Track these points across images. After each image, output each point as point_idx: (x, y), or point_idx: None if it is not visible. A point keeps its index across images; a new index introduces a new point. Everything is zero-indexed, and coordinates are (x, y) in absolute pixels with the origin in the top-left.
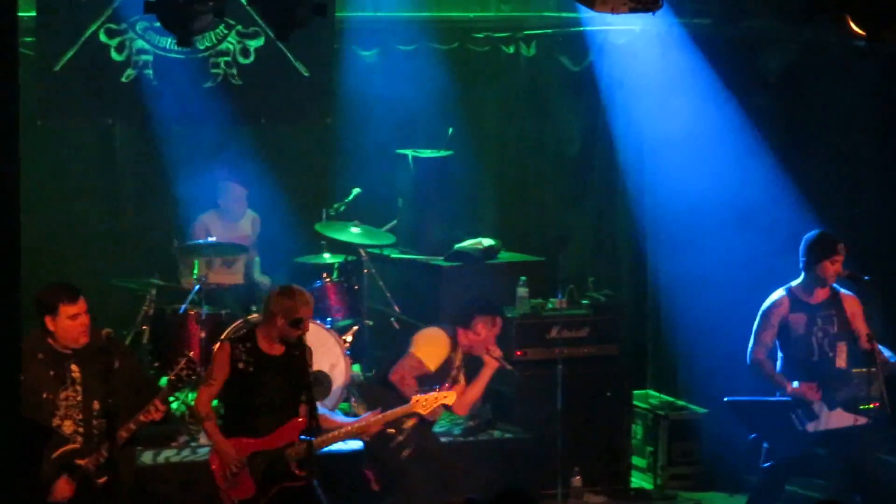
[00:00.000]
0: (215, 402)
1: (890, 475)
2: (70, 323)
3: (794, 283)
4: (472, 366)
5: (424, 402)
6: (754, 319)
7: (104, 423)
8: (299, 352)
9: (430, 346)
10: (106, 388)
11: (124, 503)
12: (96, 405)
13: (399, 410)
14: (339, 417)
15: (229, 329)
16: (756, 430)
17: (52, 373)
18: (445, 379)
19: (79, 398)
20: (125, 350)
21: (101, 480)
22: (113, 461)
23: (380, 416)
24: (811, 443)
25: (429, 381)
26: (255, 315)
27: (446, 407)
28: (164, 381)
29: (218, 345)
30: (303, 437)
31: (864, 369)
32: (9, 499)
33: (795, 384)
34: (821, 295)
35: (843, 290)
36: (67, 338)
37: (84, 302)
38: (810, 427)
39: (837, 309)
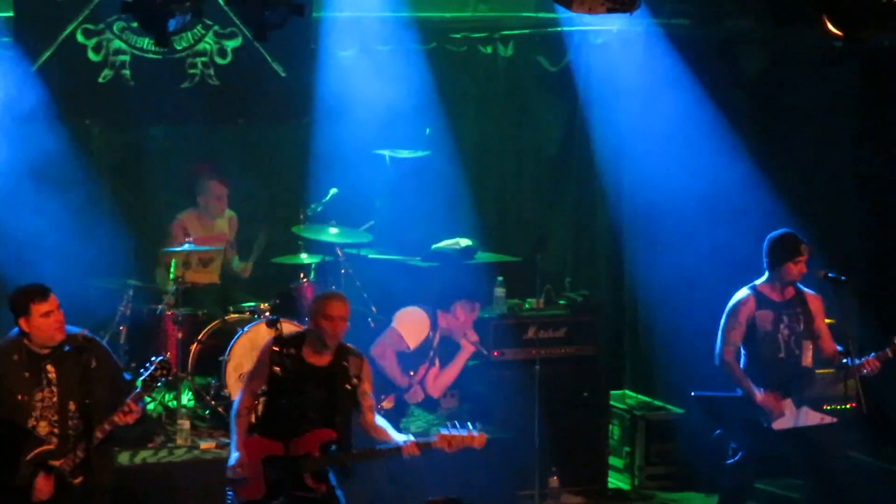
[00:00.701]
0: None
1: (860, 475)
2: (43, 321)
3: (759, 281)
4: (449, 350)
5: (452, 442)
6: None
7: (80, 423)
8: (346, 363)
9: (411, 324)
10: (82, 389)
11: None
12: (72, 406)
13: (423, 444)
14: (392, 433)
15: (206, 329)
16: (722, 426)
17: (27, 374)
18: (423, 359)
19: (54, 399)
20: (101, 350)
21: (77, 481)
22: (89, 462)
23: (408, 445)
24: (778, 440)
25: (408, 360)
26: (232, 315)
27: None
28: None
29: (265, 344)
30: (325, 449)
31: (830, 370)
32: None
33: (761, 392)
34: (786, 293)
35: (806, 290)
36: (43, 336)
37: (55, 299)
38: (776, 425)
39: (803, 307)
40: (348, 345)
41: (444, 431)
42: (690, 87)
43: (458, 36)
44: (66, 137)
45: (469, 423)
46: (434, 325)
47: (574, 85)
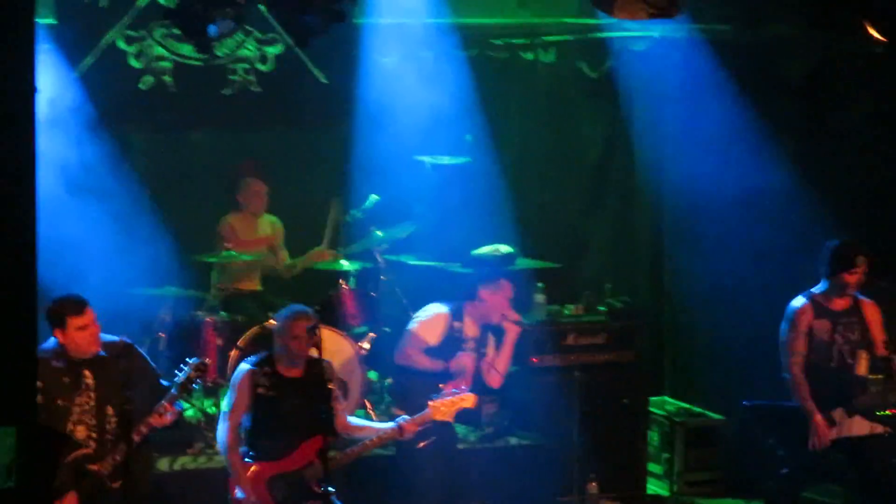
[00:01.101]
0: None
1: None
2: (79, 334)
3: (815, 290)
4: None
5: (442, 408)
6: (771, 326)
7: (118, 428)
8: (317, 369)
9: (425, 321)
10: (120, 394)
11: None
12: (109, 410)
13: (419, 418)
14: (373, 424)
15: (245, 336)
16: (774, 436)
17: (66, 379)
18: (456, 350)
19: (92, 403)
20: (140, 356)
21: (115, 485)
22: (127, 466)
23: (406, 423)
24: (827, 450)
25: (437, 353)
26: (272, 321)
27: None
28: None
29: (238, 372)
30: (323, 454)
31: (881, 376)
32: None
33: (820, 419)
34: (842, 303)
35: (862, 297)
36: (78, 349)
37: (91, 312)
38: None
39: (859, 316)
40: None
41: (434, 399)
42: (732, 93)
43: (500, 42)
44: (108, 144)
45: (453, 389)
46: (458, 316)
47: (615, 91)
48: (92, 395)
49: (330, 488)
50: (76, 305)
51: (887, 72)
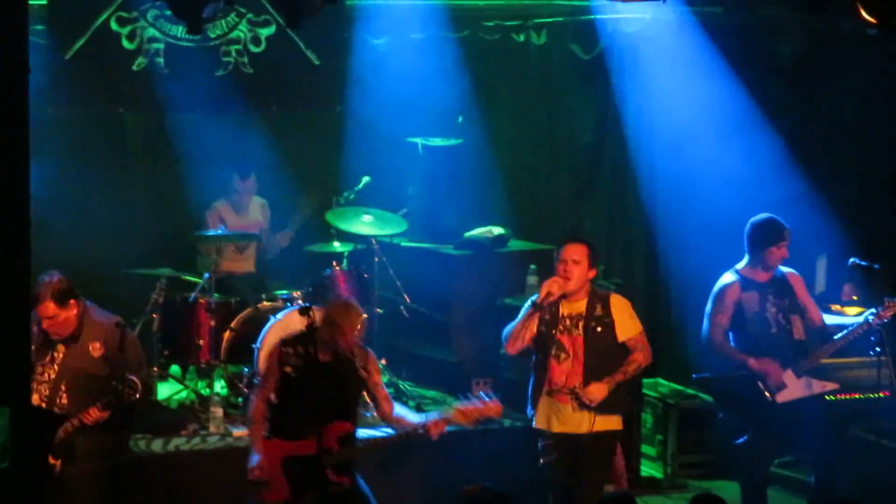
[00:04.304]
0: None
1: (865, 449)
2: (44, 321)
3: (740, 265)
4: None
5: (466, 413)
6: None
7: (68, 406)
8: (349, 358)
9: None
10: (80, 375)
11: (83, 487)
12: (63, 387)
13: (442, 420)
14: (410, 418)
15: (238, 317)
16: (727, 406)
17: (38, 343)
18: None
19: (53, 376)
20: (123, 342)
21: (55, 461)
22: (70, 445)
23: (431, 424)
24: (782, 413)
25: None
26: (265, 303)
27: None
28: (175, 368)
29: (268, 348)
30: (344, 442)
31: (863, 358)
32: (22, 485)
33: (755, 359)
34: (766, 275)
35: (785, 268)
36: (49, 331)
37: (52, 309)
38: (780, 397)
39: (785, 284)
40: None
41: (459, 405)
42: (724, 75)
43: (491, 24)
44: (100, 126)
45: (482, 393)
46: None
47: (607, 73)
48: (56, 367)
49: (347, 477)
50: (36, 299)
51: (879, 54)
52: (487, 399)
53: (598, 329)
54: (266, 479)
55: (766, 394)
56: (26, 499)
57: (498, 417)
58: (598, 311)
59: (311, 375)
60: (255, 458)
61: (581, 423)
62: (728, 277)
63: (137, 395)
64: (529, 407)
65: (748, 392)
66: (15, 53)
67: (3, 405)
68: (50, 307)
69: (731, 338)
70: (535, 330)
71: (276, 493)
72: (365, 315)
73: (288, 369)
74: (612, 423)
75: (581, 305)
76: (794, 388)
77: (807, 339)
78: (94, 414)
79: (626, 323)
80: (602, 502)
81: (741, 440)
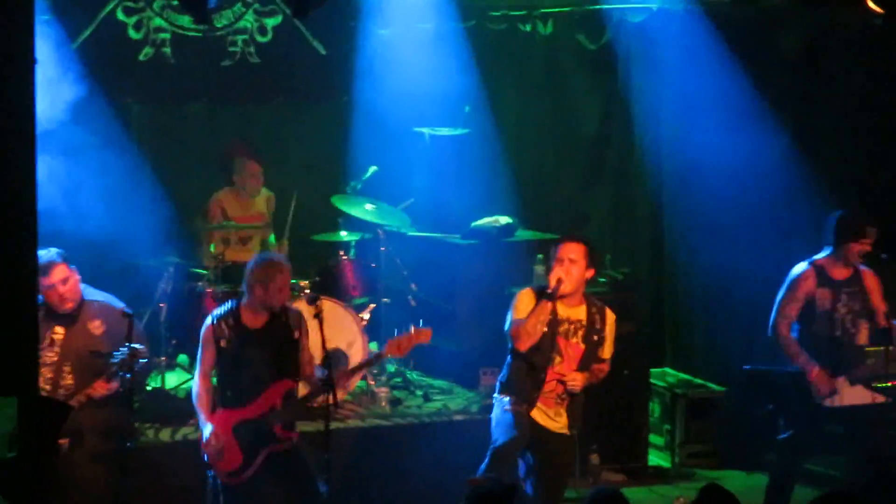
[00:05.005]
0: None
1: None
2: (46, 292)
3: (818, 257)
4: None
5: (399, 344)
6: (773, 296)
7: (74, 387)
8: (283, 319)
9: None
10: (83, 354)
11: (90, 467)
12: (66, 368)
13: (381, 353)
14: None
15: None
16: (773, 401)
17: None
18: None
19: (55, 359)
20: (129, 332)
21: (62, 441)
22: (76, 423)
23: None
24: (828, 418)
25: None
26: None
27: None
28: (182, 358)
29: (203, 327)
30: (287, 398)
31: (880, 347)
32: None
33: (817, 368)
34: (844, 272)
35: (863, 267)
36: (51, 304)
37: (62, 271)
38: (829, 402)
39: (860, 286)
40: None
41: (391, 339)
42: (730, 65)
43: (498, 14)
44: (107, 116)
45: (412, 325)
46: None
47: (613, 63)
48: (57, 350)
49: (295, 433)
50: (42, 266)
51: (885, 44)
52: (418, 327)
53: (596, 340)
54: (221, 447)
55: (817, 398)
56: (35, 486)
57: (428, 342)
58: (598, 323)
59: (245, 345)
60: (206, 429)
61: (556, 422)
62: (802, 267)
63: (144, 360)
64: (510, 396)
65: (799, 391)
66: (22, 44)
67: (10, 395)
68: (61, 269)
69: (795, 331)
70: (545, 326)
71: (229, 461)
72: (289, 266)
73: (223, 343)
74: (574, 428)
75: (580, 312)
76: (845, 395)
77: (871, 343)
78: (100, 387)
79: (611, 343)
80: (592, 497)
81: (783, 435)
